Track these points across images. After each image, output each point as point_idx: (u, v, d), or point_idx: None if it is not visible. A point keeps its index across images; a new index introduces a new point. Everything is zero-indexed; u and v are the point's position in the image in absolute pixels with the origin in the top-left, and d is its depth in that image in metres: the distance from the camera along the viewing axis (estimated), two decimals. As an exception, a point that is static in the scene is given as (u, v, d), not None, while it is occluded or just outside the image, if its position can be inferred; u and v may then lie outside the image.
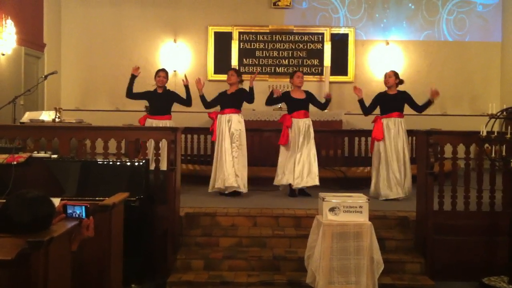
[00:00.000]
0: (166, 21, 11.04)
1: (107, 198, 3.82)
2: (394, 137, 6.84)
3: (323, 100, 7.19)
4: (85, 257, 3.03)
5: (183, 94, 7.26)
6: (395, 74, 7.06)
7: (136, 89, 7.26)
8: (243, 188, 6.88)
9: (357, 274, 4.39)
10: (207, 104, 7.17)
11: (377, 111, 7.13)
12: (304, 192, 6.97)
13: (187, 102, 7.27)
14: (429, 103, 6.99)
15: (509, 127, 5.22)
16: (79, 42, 11.05)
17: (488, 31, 11.04)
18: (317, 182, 6.83)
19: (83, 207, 2.75)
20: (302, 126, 6.92)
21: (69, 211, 2.75)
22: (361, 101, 7.07)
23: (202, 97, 7.13)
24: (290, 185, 6.94)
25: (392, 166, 6.78)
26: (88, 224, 2.77)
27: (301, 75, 7.17)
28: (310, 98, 7.13)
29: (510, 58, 10.53)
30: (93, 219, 2.79)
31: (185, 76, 7.37)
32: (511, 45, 10.50)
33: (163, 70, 7.45)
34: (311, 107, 7.19)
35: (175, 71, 10.91)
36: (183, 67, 10.98)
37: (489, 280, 5.28)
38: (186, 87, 7.21)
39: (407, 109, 7.05)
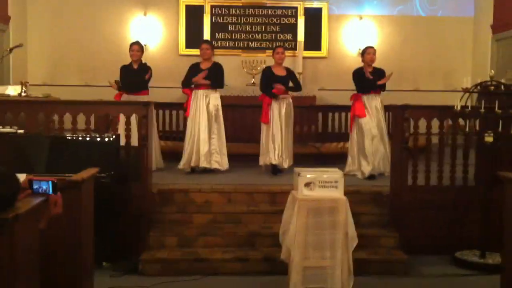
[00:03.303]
0: (136, -6, 10.73)
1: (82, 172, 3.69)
2: (375, 114, 6.73)
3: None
4: (54, 235, 2.91)
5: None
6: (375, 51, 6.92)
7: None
8: (225, 166, 6.80)
9: (332, 249, 4.36)
10: (186, 83, 6.95)
11: (353, 87, 7.01)
12: (278, 170, 6.84)
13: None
14: (382, 86, 6.82)
15: (482, 101, 5.23)
16: (46, 15, 10.66)
17: (461, 6, 11.03)
18: (291, 163, 6.78)
19: (50, 182, 2.61)
20: (282, 104, 6.77)
21: (35, 186, 2.62)
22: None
23: (191, 82, 6.88)
24: (272, 163, 6.79)
25: (376, 143, 6.66)
26: (56, 200, 2.64)
27: (281, 51, 6.93)
28: (290, 76, 6.96)
29: (482, 33, 10.56)
30: (61, 195, 2.66)
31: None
32: (483, 20, 10.51)
33: (137, 43, 7.19)
34: None
35: (145, 45, 10.63)
36: (154, 41, 10.73)
37: (461, 254, 5.35)
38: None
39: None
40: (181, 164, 6.84)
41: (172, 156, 7.43)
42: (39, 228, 2.61)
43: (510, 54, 9.52)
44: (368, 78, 6.75)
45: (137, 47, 7.02)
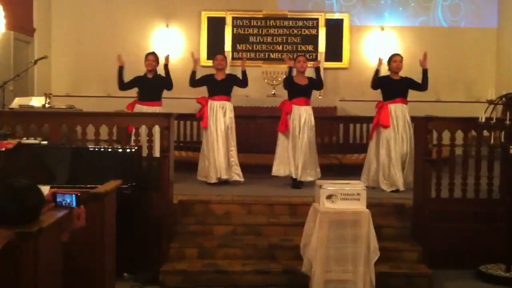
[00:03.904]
0: (158, 6, 10.83)
1: (99, 186, 3.71)
2: (401, 125, 6.53)
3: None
4: (77, 248, 2.92)
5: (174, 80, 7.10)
6: (402, 59, 6.79)
7: (133, 77, 7.09)
8: (241, 178, 6.79)
9: (354, 263, 4.33)
10: (194, 82, 7.00)
11: (379, 96, 6.92)
12: (302, 184, 6.65)
13: (169, 84, 7.08)
14: (425, 72, 6.66)
15: (507, 113, 5.15)
16: (70, 27, 10.84)
17: (484, 17, 10.93)
18: (319, 175, 6.55)
19: (74, 195, 2.63)
20: (303, 114, 6.62)
21: (59, 199, 2.64)
22: (377, 71, 6.75)
23: (193, 74, 6.96)
24: (292, 177, 6.64)
25: (396, 156, 6.48)
26: (79, 213, 2.66)
27: (302, 59, 6.80)
28: (312, 84, 6.85)
29: (506, 44, 10.43)
30: (84, 208, 2.68)
31: (167, 57, 7.16)
32: (507, 31, 10.39)
33: (152, 53, 7.25)
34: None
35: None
36: (176, 53, 10.80)
37: (486, 268, 5.24)
38: (166, 66, 7.02)
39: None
40: (201, 175, 6.83)
41: (192, 166, 7.45)
42: (61, 241, 2.62)
43: (534, 65, 9.38)
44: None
45: (152, 57, 7.09)
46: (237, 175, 6.79)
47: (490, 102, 5.14)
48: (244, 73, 6.99)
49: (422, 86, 6.72)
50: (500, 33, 10.74)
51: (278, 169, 6.70)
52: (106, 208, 3.38)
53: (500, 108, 5.47)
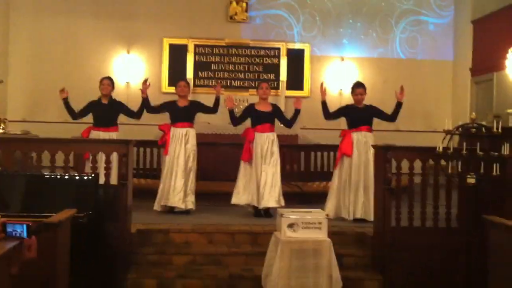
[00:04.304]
0: (119, 32, 10.75)
1: (54, 214, 3.57)
2: (364, 153, 6.53)
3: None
4: (27, 280, 2.77)
5: (135, 107, 6.99)
6: (365, 89, 6.85)
7: (85, 103, 6.96)
8: (193, 206, 6.68)
9: (316, 293, 4.27)
10: (151, 109, 6.90)
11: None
12: (267, 213, 6.56)
13: (137, 114, 6.97)
14: (399, 105, 6.76)
15: (464, 144, 5.25)
16: (28, 51, 10.61)
17: (440, 50, 11.28)
18: (282, 203, 6.44)
19: (25, 225, 2.50)
20: (265, 141, 6.57)
21: (9, 229, 2.50)
22: (324, 103, 6.74)
23: (146, 100, 6.83)
24: (254, 206, 6.57)
25: (359, 185, 6.48)
26: (30, 244, 2.52)
27: (265, 86, 6.78)
28: (276, 112, 6.79)
29: (461, 76, 10.76)
30: (35, 239, 2.54)
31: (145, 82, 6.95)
32: (462, 63, 10.73)
33: (107, 78, 7.13)
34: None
35: (127, 82, 10.63)
36: (137, 79, 10.70)
37: (445, 296, 5.26)
38: (145, 99, 6.85)
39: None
40: (157, 205, 6.68)
41: (150, 194, 7.30)
42: (10, 274, 2.48)
43: (489, 97, 9.68)
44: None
45: (108, 82, 6.99)
46: (192, 203, 6.68)
47: (448, 132, 5.22)
48: (217, 99, 6.89)
49: (392, 117, 6.83)
50: (456, 66, 11.09)
51: (239, 196, 6.61)
52: (59, 239, 3.24)
53: (457, 138, 5.58)
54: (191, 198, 6.69)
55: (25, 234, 2.50)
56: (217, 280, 5.17)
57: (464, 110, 10.28)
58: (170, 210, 6.70)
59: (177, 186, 6.59)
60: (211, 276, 5.20)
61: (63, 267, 3.47)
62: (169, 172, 6.66)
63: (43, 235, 2.85)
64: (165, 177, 6.68)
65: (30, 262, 2.58)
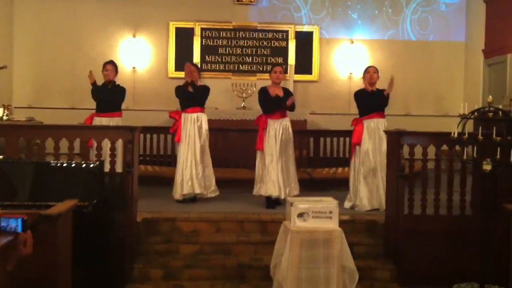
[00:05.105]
0: (125, 16, 10.57)
1: (59, 204, 3.45)
2: (378, 140, 6.28)
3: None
4: (25, 277, 2.66)
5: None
6: (377, 70, 6.53)
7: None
8: (215, 193, 6.53)
9: (326, 284, 4.14)
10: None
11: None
12: (277, 202, 6.31)
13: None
14: (387, 96, 6.39)
15: (479, 128, 5.07)
16: (33, 36, 10.47)
17: (452, 31, 11.00)
18: (297, 191, 6.25)
19: (20, 219, 2.37)
20: (279, 128, 6.26)
21: (3, 224, 2.37)
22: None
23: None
24: (268, 196, 6.25)
25: (377, 175, 6.25)
26: (26, 239, 2.40)
27: (279, 70, 6.39)
28: (288, 96, 6.35)
29: (474, 58, 10.49)
30: (31, 234, 2.42)
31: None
32: (475, 45, 10.46)
33: (110, 62, 6.98)
34: None
35: (134, 67, 10.48)
36: (143, 64, 10.56)
37: (459, 286, 5.11)
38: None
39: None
40: (175, 194, 6.45)
41: (159, 182, 7.20)
42: (6, 270, 2.36)
43: (502, 79, 9.43)
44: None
45: (111, 67, 6.86)
46: (212, 191, 6.53)
47: (463, 116, 5.04)
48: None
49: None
50: (468, 47, 10.82)
51: (258, 188, 6.31)
52: (59, 232, 3.10)
53: (471, 123, 5.39)
54: (211, 184, 6.50)
55: (20, 229, 2.37)
56: (225, 270, 5.07)
57: (476, 93, 10.04)
58: (192, 199, 6.49)
59: (197, 173, 6.39)
60: (219, 266, 5.10)
61: (65, 260, 3.35)
62: (186, 160, 6.41)
63: (42, 228, 2.73)
64: (183, 165, 6.42)
65: (26, 258, 2.46)
